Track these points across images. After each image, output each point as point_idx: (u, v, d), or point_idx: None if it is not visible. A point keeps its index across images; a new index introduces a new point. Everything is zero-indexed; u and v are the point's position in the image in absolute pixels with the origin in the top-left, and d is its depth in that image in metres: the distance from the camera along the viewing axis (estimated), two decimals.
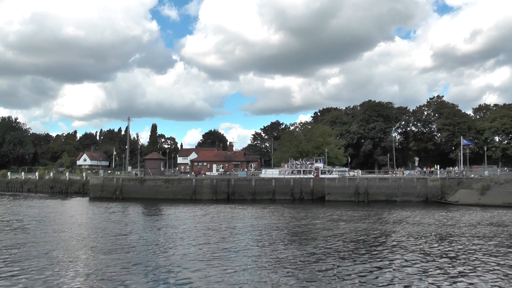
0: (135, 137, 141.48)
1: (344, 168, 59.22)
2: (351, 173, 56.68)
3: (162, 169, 63.11)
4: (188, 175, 65.99)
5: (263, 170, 60.01)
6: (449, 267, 17.36)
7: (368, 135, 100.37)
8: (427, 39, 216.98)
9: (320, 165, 56.31)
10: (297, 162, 58.16)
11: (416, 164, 74.06)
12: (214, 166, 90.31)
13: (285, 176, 53.36)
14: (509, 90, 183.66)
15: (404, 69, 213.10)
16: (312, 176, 52.75)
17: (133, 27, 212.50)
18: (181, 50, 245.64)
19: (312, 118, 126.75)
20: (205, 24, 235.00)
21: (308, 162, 57.29)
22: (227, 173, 74.37)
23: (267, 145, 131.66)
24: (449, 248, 21.13)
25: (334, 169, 56.97)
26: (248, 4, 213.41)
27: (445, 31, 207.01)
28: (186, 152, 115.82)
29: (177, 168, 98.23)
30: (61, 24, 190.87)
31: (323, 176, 52.91)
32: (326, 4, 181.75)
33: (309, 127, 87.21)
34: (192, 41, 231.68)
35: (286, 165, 59.14)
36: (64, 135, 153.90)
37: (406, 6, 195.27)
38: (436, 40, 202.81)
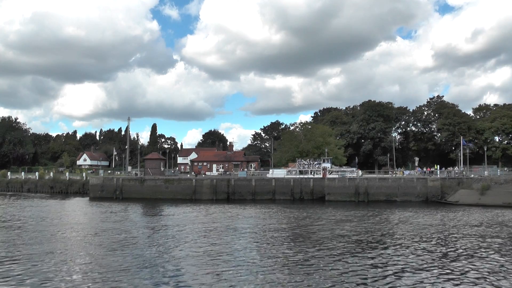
0: (135, 137, 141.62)
1: (351, 168, 58.92)
2: (359, 173, 56.17)
3: (162, 169, 63.08)
4: (188, 175, 65.98)
5: (271, 170, 59.33)
6: (449, 267, 17.35)
7: (368, 135, 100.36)
8: (428, 39, 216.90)
9: (327, 165, 56.22)
10: (304, 162, 57.91)
11: (416, 164, 73.99)
12: (214, 166, 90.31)
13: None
14: (509, 90, 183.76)
15: (405, 69, 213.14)
16: (320, 176, 52.61)
17: (134, 27, 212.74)
18: (181, 50, 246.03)
19: (312, 118, 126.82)
20: (206, 24, 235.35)
21: (316, 162, 57.15)
22: (227, 173, 74.34)
23: (267, 145, 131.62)
24: (449, 248, 21.12)
25: (342, 169, 56.68)
26: (249, 3, 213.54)
27: (447, 31, 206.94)
28: (186, 152, 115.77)
29: (177, 168, 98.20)
30: (61, 24, 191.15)
31: (330, 176, 52.77)
32: (328, 4, 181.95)
33: (309, 127, 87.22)
34: (193, 41, 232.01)
35: (294, 165, 58.69)
36: (64, 135, 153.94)
37: (407, 5, 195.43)
38: (437, 40, 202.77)
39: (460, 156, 65.39)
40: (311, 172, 54.45)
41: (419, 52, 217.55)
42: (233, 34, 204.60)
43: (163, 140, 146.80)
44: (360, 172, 57.65)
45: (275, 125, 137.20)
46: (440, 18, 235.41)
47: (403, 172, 61.88)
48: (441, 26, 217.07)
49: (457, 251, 20.44)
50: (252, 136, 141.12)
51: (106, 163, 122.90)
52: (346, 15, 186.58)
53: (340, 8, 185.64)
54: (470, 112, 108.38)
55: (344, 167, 63.71)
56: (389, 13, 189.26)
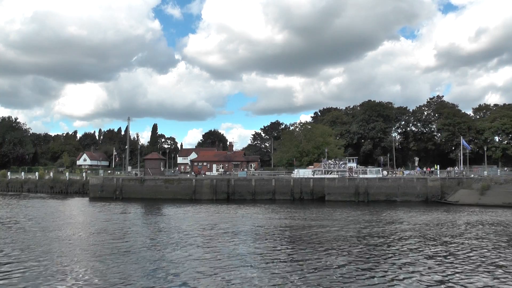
0: (135, 137, 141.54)
1: (377, 168, 58.53)
2: (384, 173, 55.37)
3: (162, 169, 63.13)
4: (188, 175, 65.99)
5: (295, 170, 58.46)
6: (449, 267, 17.35)
7: (368, 135, 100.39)
8: (431, 38, 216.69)
9: (353, 165, 56.05)
10: (330, 162, 57.35)
11: (416, 164, 73.98)
12: (214, 166, 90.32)
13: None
14: (511, 90, 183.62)
15: (407, 69, 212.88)
16: (347, 176, 52.28)
17: (135, 26, 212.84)
18: (183, 49, 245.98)
19: (312, 118, 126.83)
20: (208, 23, 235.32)
21: (342, 162, 56.70)
22: (227, 173, 74.36)
23: (267, 145, 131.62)
24: (449, 248, 21.12)
25: (368, 169, 56.42)
26: (252, 3, 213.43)
27: (450, 30, 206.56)
28: (186, 152, 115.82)
29: (177, 168, 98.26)
30: (63, 23, 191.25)
31: (355, 175, 52.35)
32: (331, 3, 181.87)
33: (309, 127, 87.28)
34: (195, 40, 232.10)
35: (318, 165, 58.01)
36: (64, 135, 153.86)
37: (410, 5, 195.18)
38: (440, 39, 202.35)
39: (460, 156, 65.34)
40: (337, 172, 54.03)
41: (421, 52, 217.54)
42: (235, 34, 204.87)
43: (163, 140, 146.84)
44: (385, 172, 56.98)
45: (275, 125, 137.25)
46: (443, 17, 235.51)
47: (403, 172, 61.82)
48: (444, 26, 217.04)
49: (457, 251, 20.42)
50: (252, 136, 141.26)
51: (106, 163, 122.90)
52: (349, 15, 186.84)
53: (343, 7, 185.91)
54: (470, 112, 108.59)
55: (369, 166, 63.37)
56: (392, 12, 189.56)
